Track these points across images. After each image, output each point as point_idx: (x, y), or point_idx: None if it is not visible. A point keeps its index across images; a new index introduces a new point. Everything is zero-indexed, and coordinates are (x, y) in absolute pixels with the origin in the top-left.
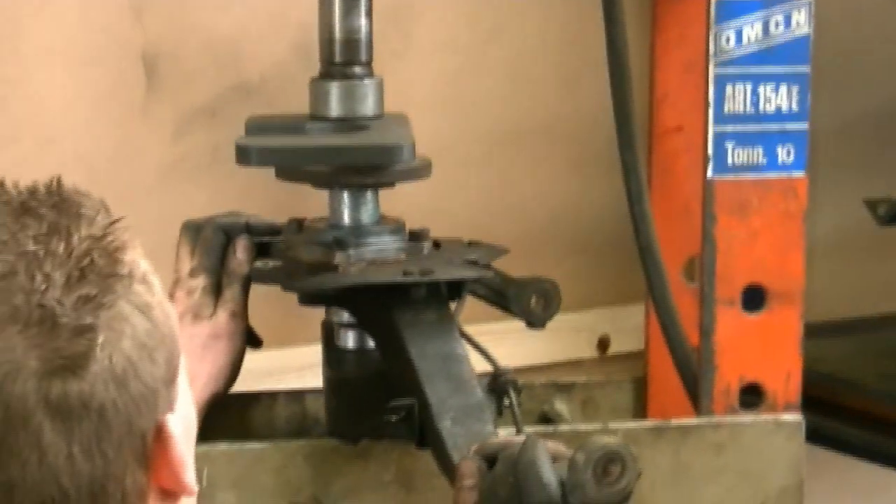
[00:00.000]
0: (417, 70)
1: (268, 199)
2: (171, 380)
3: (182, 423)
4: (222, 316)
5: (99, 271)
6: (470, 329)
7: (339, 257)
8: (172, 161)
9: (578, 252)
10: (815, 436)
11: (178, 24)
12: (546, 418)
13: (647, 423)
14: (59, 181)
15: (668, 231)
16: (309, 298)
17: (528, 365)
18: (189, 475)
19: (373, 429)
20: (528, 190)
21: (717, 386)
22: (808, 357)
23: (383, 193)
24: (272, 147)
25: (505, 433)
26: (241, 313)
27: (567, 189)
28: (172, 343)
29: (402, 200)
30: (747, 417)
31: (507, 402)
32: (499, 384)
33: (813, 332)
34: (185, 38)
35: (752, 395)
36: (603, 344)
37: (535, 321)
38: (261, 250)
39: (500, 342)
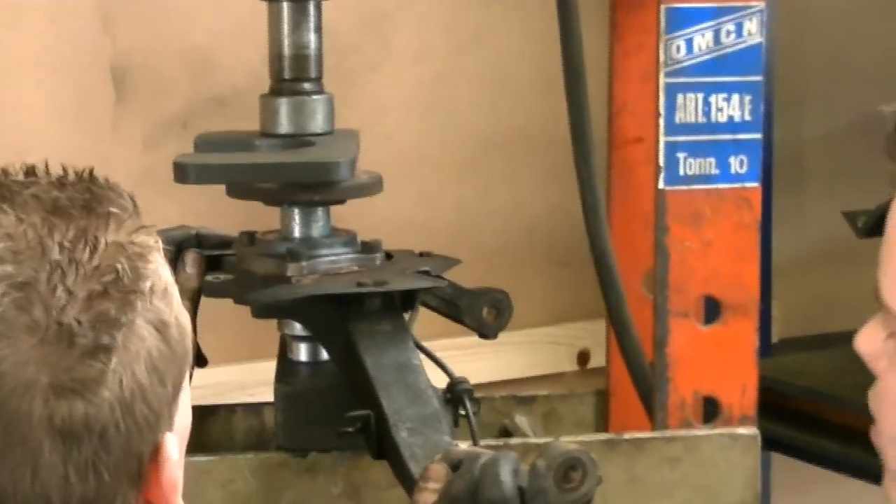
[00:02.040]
0: (395, 79)
1: (238, 211)
2: (175, 398)
3: (179, 439)
4: None
5: (121, 287)
6: (441, 343)
7: (292, 269)
8: (143, 173)
9: (558, 264)
10: (796, 449)
11: (148, 34)
12: (506, 432)
13: (600, 436)
14: (91, 172)
15: (628, 243)
16: (263, 311)
17: (505, 379)
18: (177, 497)
19: (322, 442)
20: (507, 199)
21: (672, 399)
22: (791, 370)
23: (355, 204)
24: (210, 165)
25: (463, 444)
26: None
27: (546, 198)
28: (183, 361)
29: (377, 211)
30: (702, 431)
31: (463, 412)
32: (455, 394)
33: (797, 345)
34: (155, 49)
35: (708, 408)
36: (583, 357)
37: (488, 332)
38: (212, 264)
39: (475, 356)
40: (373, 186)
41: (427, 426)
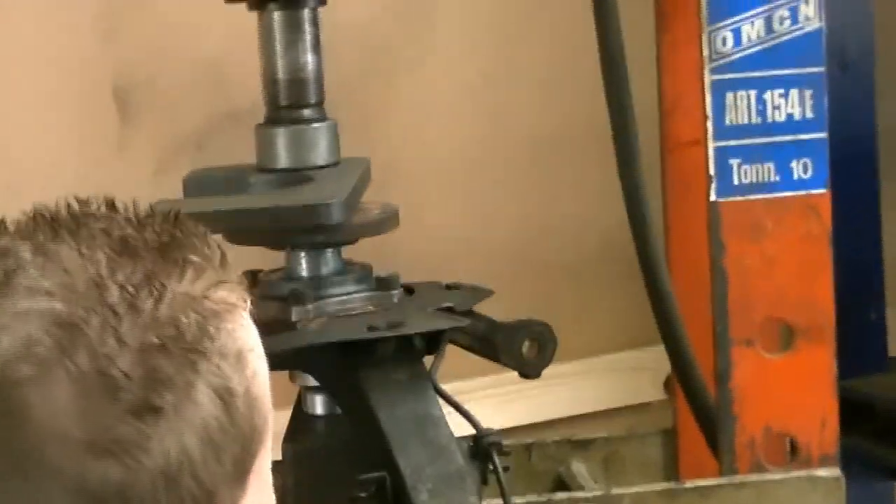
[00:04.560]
0: (436, 80)
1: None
2: (238, 478)
3: None
4: None
5: (183, 344)
6: (504, 377)
7: (296, 313)
8: (153, 200)
9: (637, 280)
10: None
11: (152, 48)
12: (561, 481)
13: (659, 485)
14: (178, 213)
15: (689, 260)
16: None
17: (584, 413)
18: None
19: None
20: (574, 209)
21: (740, 438)
22: None
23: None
24: (191, 213)
25: None
26: None
27: (621, 207)
28: (251, 437)
29: (422, 230)
30: (776, 474)
31: (492, 467)
32: (481, 448)
33: None
34: (160, 64)
35: (783, 448)
36: (671, 384)
37: (529, 370)
38: None
39: (549, 389)
40: (384, 224)
41: (450, 486)
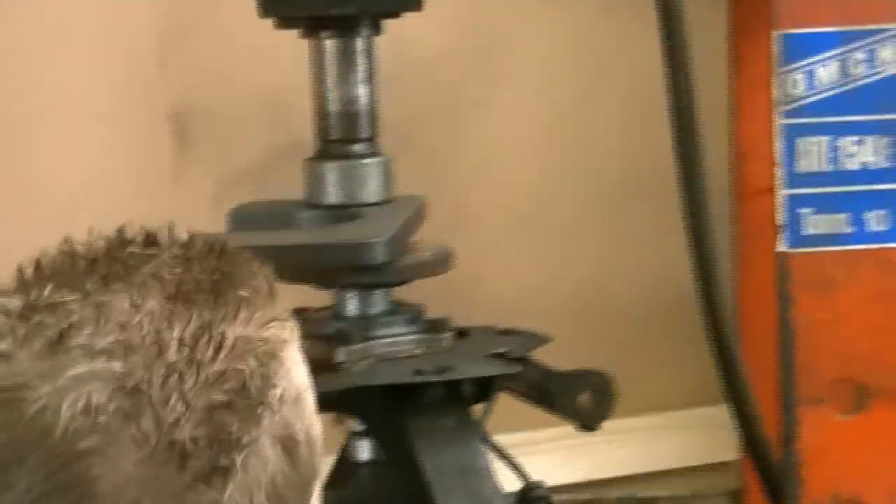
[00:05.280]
0: (508, 117)
1: None
2: None
3: None
4: None
5: (247, 396)
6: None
7: (342, 353)
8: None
9: None
10: None
11: (211, 75)
12: None
13: None
14: (224, 244)
15: (757, 314)
16: None
17: (661, 469)
18: None
19: None
20: (649, 258)
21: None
22: None
23: (458, 268)
24: None
25: None
26: None
27: (723, 254)
28: (310, 482)
29: (486, 269)
30: None
31: None
32: (528, 501)
33: None
34: (220, 92)
35: None
36: None
37: (587, 422)
38: None
39: (626, 441)
40: (434, 265)
41: None
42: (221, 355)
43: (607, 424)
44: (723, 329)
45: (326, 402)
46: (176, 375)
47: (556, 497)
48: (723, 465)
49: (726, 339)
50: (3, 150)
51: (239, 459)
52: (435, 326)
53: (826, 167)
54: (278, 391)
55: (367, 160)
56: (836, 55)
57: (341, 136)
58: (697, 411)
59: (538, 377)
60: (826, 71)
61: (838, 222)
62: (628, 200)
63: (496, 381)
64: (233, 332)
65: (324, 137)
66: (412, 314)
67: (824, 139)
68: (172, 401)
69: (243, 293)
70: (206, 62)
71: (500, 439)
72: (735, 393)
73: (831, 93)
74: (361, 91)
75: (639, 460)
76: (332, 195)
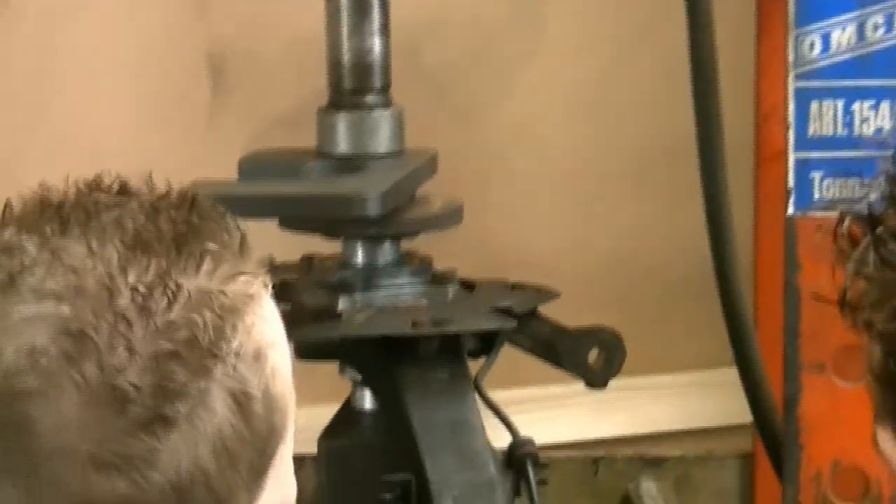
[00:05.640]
0: (551, 73)
1: None
2: (255, 480)
3: None
4: None
5: (197, 349)
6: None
7: (343, 303)
8: None
9: None
10: None
11: (250, 19)
12: (628, 500)
13: None
14: (194, 196)
15: (775, 276)
16: (306, 351)
17: (673, 430)
18: None
19: None
20: (690, 220)
21: (806, 471)
22: None
23: (492, 222)
24: (218, 196)
25: None
26: None
27: (738, 219)
28: (268, 439)
29: (522, 223)
30: None
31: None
32: (516, 458)
33: None
34: (259, 36)
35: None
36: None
37: (594, 380)
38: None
39: (654, 399)
40: (443, 219)
41: (477, 496)
42: (176, 306)
43: (624, 383)
44: (732, 292)
45: (326, 351)
46: (124, 322)
47: (564, 454)
48: (736, 428)
49: (735, 302)
50: (33, 92)
51: (184, 410)
52: (440, 279)
53: (840, 132)
54: (234, 345)
55: (379, 111)
56: (854, 18)
57: (353, 86)
58: (714, 372)
59: (546, 333)
60: (842, 34)
61: (850, 187)
62: (670, 164)
63: (499, 336)
64: (191, 283)
65: (336, 87)
66: (419, 266)
67: (839, 103)
68: (118, 347)
69: (210, 246)
70: (244, 6)
71: (512, 394)
72: (742, 356)
73: (847, 56)
74: (376, 42)
75: (651, 420)
76: (342, 145)
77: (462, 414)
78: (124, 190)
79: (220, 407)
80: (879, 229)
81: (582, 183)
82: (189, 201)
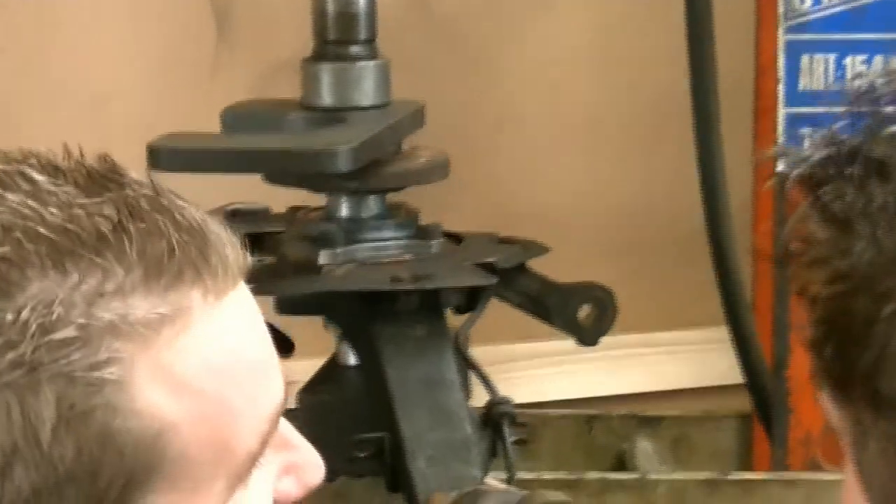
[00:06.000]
0: (567, 20)
1: None
2: None
3: None
4: None
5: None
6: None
7: (323, 256)
8: None
9: None
10: None
11: None
12: (621, 460)
13: (699, 474)
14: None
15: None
16: (285, 305)
17: (671, 389)
18: None
19: (349, 464)
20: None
21: (794, 433)
22: None
23: (505, 174)
24: (181, 150)
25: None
26: None
27: (745, 173)
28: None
29: (533, 174)
30: (831, 474)
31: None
32: (492, 417)
33: None
34: None
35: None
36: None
37: (584, 337)
38: (256, 242)
39: (675, 356)
40: (426, 173)
41: (452, 455)
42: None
43: (619, 340)
44: (723, 249)
45: (306, 306)
46: None
47: (559, 411)
48: (735, 388)
49: (726, 260)
50: (31, 36)
51: None
52: (425, 233)
53: (831, 87)
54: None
55: (363, 63)
56: None
57: (338, 37)
58: (714, 330)
59: (535, 288)
60: None
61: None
62: (682, 114)
63: (484, 292)
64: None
65: (321, 38)
66: (405, 220)
67: (831, 57)
68: None
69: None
70: None
71: (503, 350)
72: (733, 316)
73: (840, 9)
74: None
75: (649, 379)
76: (325, 97)
77: (439, 371)
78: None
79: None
80: (823, 189)
81: (594, 133)
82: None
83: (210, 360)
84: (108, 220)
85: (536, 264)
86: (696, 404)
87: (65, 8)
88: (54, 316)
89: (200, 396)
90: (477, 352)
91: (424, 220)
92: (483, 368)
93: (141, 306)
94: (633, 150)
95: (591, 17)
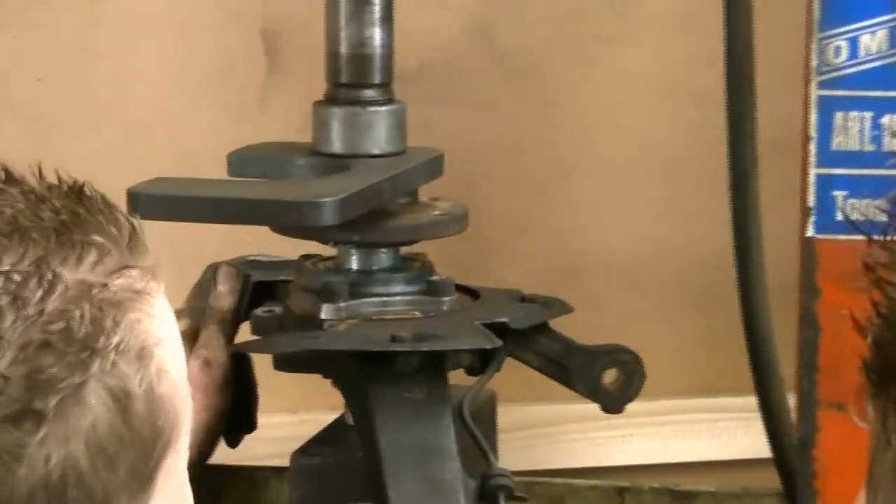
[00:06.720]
0: (641, 55)
1: None
2: (140, 485)
3: None
4: (192, 366)
5: (72, 339)
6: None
7: (326, 311)
8: None
9: None
10: None
11: None
12: None
13: None
14: (82, 186)
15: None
16: (282, 362)
17: (707, 460)
18: None
19: None
20: (785, 221)
21: None
22: None
23: (574, 222)
24: (160, 196)
25: None
26: (219, 361)
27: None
28: (152, 441)
29: (604, 221)
30: None
31: None
32: (487, 490)
33: None
34: (317, 11)
35: None
36: None
37: (609, 404)
38: (269, 292)
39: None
40: (440, 226)
41: None
42: (53, 296)
43: (651, 407)
44: (754, 310)
45: (301, 363)
46: None
47: (587, 481)
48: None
49: (757, 321)
50: (75, 62)
51: (54, 403)
52: (437, 288)
53: (867, 147)
54: (114, 340)
55: (376, 108)
56: (885, 22)
57: (351, 80)
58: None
59: (556, 350)
60: (872, 39)
61: (876, 210)
62: (777, 159)
63: (496, 354)
64: (71, 275)
65: (333, 80)
66: (417, 272)
67: (867, 115)
68: None
69: (95, 238)
70: None
71: (530, 412)
72: (761, 384)
73: (878, 63)
74: (376, 33)
75: (682, 449)
76: (335, 143)
77: (435, 438)
78: (8, 178)
79: (95, 403)
80: None
81: (673, 177)
82: (77, 192)
83: (172, 326)
84: (72, 213)
85: (601, 319)
86: (731, 479)
87: (109, 36)
88: (98, 300)
89: (176, 356)
90: (505, 412)
91: (486, 272)
92: (481, 438)
93: (134, 281)
94: (717, 197)
95: (664, 53)
